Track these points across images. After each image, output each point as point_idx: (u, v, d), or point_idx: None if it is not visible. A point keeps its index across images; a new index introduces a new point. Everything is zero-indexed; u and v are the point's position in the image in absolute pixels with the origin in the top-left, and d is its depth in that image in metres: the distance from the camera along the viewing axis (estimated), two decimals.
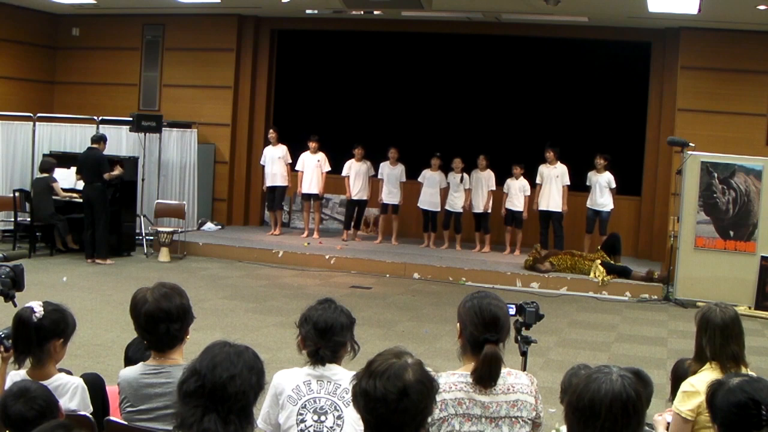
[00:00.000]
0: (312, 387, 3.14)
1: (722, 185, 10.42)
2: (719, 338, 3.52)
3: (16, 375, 3.18)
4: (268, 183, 13.24)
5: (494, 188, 12.55)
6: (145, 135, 12.58)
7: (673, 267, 10.60)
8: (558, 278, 10.97)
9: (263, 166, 13.39)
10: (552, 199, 12.06)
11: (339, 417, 3.10)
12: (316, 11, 13.56)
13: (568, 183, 12.10)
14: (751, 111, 11.96)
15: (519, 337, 3.86)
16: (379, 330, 8.19)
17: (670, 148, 11.83)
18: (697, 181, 10.49)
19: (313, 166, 12.98)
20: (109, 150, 11.83)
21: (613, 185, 11.92)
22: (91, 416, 3.17)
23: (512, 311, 3.58)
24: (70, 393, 3.17)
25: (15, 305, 3.43)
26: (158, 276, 9.79)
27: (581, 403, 2.20)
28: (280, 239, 12.99)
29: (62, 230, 11.50)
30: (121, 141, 12.88)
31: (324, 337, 3.17)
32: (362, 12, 13.43)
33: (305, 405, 3.12)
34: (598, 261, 11.04)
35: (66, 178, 11.83)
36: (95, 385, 3.46)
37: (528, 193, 12.30)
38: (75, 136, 13.05)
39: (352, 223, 13.22)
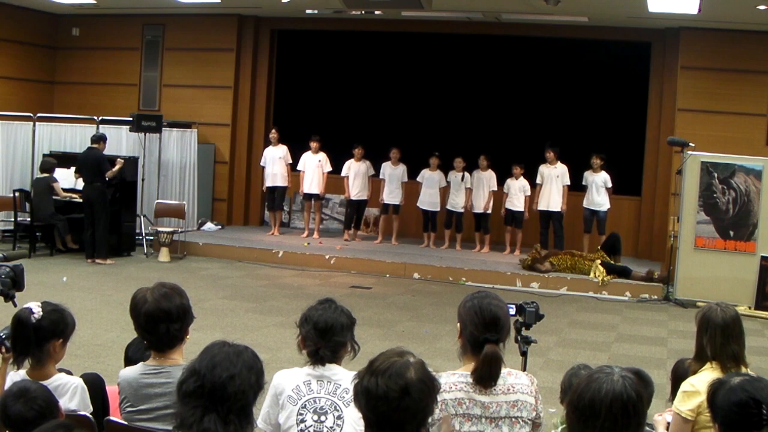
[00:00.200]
0: (312, 387, 3.14)
1: (722, 185, 10.42)
2: (720, 338, 3.51)
3: (16, 375, 3.17)
4: (269, 183, 13.24)
5: (495, 188, 12.55)
6: (145, 135, 12.58)
7: (673, 267, 10.60)
8: (558, 278, 10.97)
9: (263, 167, 13.40)
10: (552, 199, 12.06)
11: (339, 417, 3.10)
12: (316, 11, 13.56)
13: (569, 183, 12.10)
14: (751, 111, 11.96)
15: (519, 337, 3.86)
16: (379, 330, 8.19)
17: (670, 148, 11.82)
18: (697, 181, 10.49)
19: (314, 166, 12.98)
20: (109, 150, 11.83)
21: (609, 185, 11.92)
22: (91, 416, 3.17)
23: (512, 311, 3.58)
24: (70, 393, 3.16)
25: (15, 305, 3.41)
26: (158, 276, 9.78)
27: (581, 402, 2.21)
28: (280, 239, 12.99)
29: (62, 230, 11.50)
30: (121, 141, 12.89)
31: (324, 337, 3.16)
32: (362, 12, 13.43)
33: (305, 405, 3.12)
34: (598, 261, 11.05)
35: (66, 178, 11.82)
36: (95, 385, 3.45)
37: (528, 193, 12.30)
38: (75, 136, 13.06)
39: (353, 224, 13.23)
